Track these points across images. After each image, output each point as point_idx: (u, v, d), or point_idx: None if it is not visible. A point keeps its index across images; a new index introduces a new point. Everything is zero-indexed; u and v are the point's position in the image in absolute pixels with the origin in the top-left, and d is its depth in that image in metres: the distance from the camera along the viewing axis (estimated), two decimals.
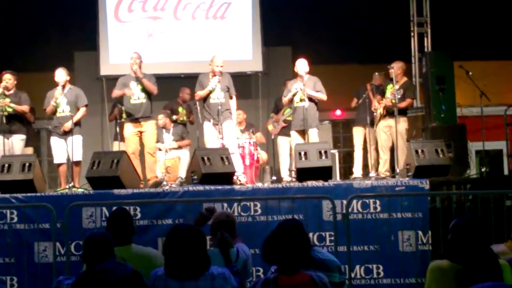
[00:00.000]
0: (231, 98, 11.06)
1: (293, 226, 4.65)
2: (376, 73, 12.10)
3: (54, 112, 10.84)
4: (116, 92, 11.08)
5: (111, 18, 14.64)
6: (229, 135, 10.94)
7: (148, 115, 11.09)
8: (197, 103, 11.90)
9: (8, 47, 14.21)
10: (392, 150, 11.34)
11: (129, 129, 10.99)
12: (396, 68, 11.22)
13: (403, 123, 11.19)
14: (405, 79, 11.57)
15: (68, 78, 10.97)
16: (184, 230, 4.70)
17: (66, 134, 10.71)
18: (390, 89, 11.27)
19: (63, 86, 10.85)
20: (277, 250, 4.43)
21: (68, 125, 10.64)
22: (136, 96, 10.92)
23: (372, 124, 11.55)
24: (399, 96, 10.99)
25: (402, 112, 11.21)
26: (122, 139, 12.14)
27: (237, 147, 11.27)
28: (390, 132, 11.27)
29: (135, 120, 10.96)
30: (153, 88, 11.01)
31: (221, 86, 10.89)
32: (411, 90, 11.75)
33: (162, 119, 12.34)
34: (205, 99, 10.93)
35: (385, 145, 11.36)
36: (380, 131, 11.41)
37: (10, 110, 10.82)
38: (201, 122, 11.08)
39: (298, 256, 4.43)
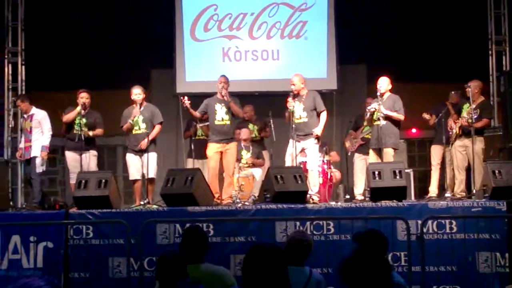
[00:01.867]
0: (319, 114, 11.03)
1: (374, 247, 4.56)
2: (452, 92, 11.92)
3: (131, 129, 11.01)
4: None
5: (187, 37, 14.79)
6: (311, 153, 10.96)
7: (231, 136, 11.15)
8: (271, 120, 12.03)
9: (86, 65, 14.47)
10: (468, 170, 11.15)
11: (212, 148, 10.98)
12: (473, 87, 11.03)
13: (479, 143, 10.96)
14: (482, 98, 11.35)
15: (144, 96, 11.15)
16: (267, 250, 4.62)
17: (142, 151, 10.87)
18: (466, 109, 11.09)
19: (140, 104, 11.03)
20: (358, 272, 4.31)
21: (144, 142, 10.80)
22: (219, 117, 10.98)
23: (448, 143, 11.38)
24: (475, 116, 10.79)
25: (479, 132, 10.99)
26: (197, 156, 12.28)
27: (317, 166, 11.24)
28: (466, 152, 11.08)
29: (218, 141, 10.97)
30: (240, 111, 11.13)
31: (304, 106, 10.91)
32: (488, 110, 11.52)
33: (245, 133, 12.48)
34: (292, 118, 10.92)
35: (461, 165, 11.16)
36: (456, 151, 11.22)
37: (86, 129, 11.05)
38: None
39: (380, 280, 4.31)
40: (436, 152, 11.83)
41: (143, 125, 11.00)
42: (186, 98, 10.88)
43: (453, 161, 11.29)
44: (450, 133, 11.31)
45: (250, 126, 13.14)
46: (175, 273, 4.90)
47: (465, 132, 11.02)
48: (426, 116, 11.98)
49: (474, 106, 10.89)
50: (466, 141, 11.01)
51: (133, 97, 11.10)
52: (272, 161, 12.83)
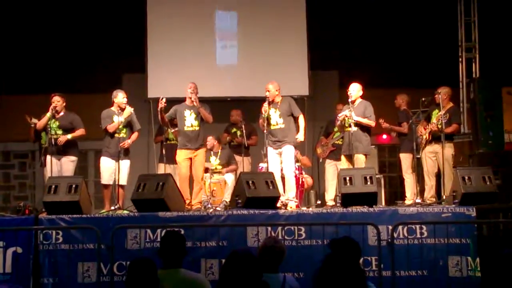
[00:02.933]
0: (297, 119, 11.07)
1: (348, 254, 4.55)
2: (397, 96, 12.10)
3: (115, 131, 11.02)
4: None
5: (159, 41, 14.73)
6: (287, 160, 10.97)
7: (201, 143, 11.13)
8: (243, 126, 12.12)
9: (58, 69, 14.41)
10: (438, 176, 11.23)
11: (181, 155, 10.98)
12: (442, 93, 11.15)
13: (449, 149, 11.06)
14: (451, 104, 11.45)
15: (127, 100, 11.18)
16: (245, 257, 4.61)
17: (118, 156, 10.88)
18: (435, 114, 11.19)
19: (123, 109, 11.03)
20: (332, 279, 4.29)
21: (127, 142, 10.97)
22: (189, 123, 10.96)
23: (418, 150, 11.46)
24: (444, 121, 10.90)
25: (448, 137, 11.09)
26: (168, 161, 12.26)
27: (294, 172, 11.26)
28: (436, 157, 11.18)
29: (187, 147, 10.95)
30: (209, 117, 11.07)
31: (280, 112, 10.95)
32: (457, 116, 11.61)
33: (210, 141, 12.45)
34: (268, 125, 10.96)
35: (431, 171, 11.26)
36: (426, 156, 11.31)
37: (60, 132, 10.99)
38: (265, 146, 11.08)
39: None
40: (406, 159, 11.88)
41: (123, 130, 11.05)
42: (164, 99, 10.85)
43: (423, 167, 11.37)
44: (420, 139, 11.40)
45: (233, 130, 13.18)
46: (145, 280, 4.86)
47: (435, 138, 11.12)
48: (382, 122, 12.00)
49: (443, 112, 10.99)
50: (436, 146, 11.12)
51: (121, 100, 11.12)
52: (249, 167, 12.89)
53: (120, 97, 11.15)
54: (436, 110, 11.20)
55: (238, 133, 13.18)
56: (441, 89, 11.23)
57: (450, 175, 10.73)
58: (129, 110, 11.04)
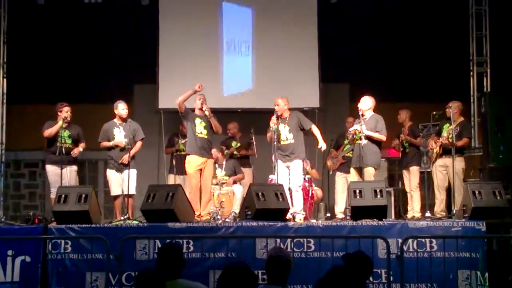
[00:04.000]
0: (310, 130, 11.14)
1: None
2: (400, 111, 12.08)
3: (111, 147, 11.07)
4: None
5: (170, 53, 14.75)
6: (295, 173, 11.00)
7: (210, 153, 11.15)
8: (253, 137, 12.10)
9: (69, 79, 14.45)
10: (449, 190, 11.20)
11: (193, 164, 10.90)
12: (453, 107, 11.13)
13: (459, 163, 11.03)
14: (462, 118, 11.43)
15: (128, 111, 11.17)
16: (239, 270, 4.61)
17: (123, 167, 10.90)
18: (446, 128, 11.18)
19: (125, 120, 11.05)
20: None
21: (126, 157, 10.85)
22: (199, 130, 10.95)
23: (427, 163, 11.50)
24: (455, 134, 10.88)
25: (459, 151, 11.06)
26: (178, 172, 12.27)
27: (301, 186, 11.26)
28: (447, 171, 11.16)
29: (199, 154, 10.89)
30: (220, 127, 11.12)
31: (289, 128, 11.01)
32: (468, 130, 11.60)
33: (214, 153, 12.45)
34: (278, 140, 10.97)
35: (441, 185, 11.23)
36: (436, 170, 11.29)
37: (69, 142, 11.03)
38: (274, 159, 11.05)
39: None
40: (418, 172, 11.82)
41: (125, 141, 11.00)
42: (201, 86, 10.87)
43: (433, 180, 11.34)
44: (430, 153, 11.39)
45: (233, 143, 13.18)
46: None
47: (445, 152, 11.10)
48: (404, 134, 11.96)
49: (454, 126, 10.97)
50: (447, 160, 11.09)
51: (120, 111, 11.14)
52: (255, 178, 12.86)
53: (120, 108, 11.18)
54: (447, 124, 11.19)
55: (238, 145, 13.19)
56: (452, 103, 11.22)
57: (460, 189, 10.70)
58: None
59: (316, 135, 11.12)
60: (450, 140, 10.92)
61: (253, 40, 14.90)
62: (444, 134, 11.15)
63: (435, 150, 11.27)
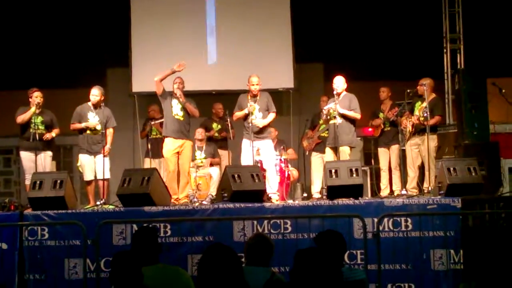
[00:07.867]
0: (269, 113, 11.10)
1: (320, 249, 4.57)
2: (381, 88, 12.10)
3: (81, 130, 11.01)
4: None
5: (143, 35, 14.66)
6: (267, 154, 11.05)
7: (187, 135, 11.08)
8: (228, 119, 12.05)
9: (41, 64, 14.33)
10: (421, 167, 11.28)
11: (169, 147, 10.88)
12: (427, 84, 11.16)
13: (432, 141, 11.06)
14: (433, 95, 11.46)
15: (101, 98, 11.09)
16: (223, 250, 4.55)
17: (96, 152, 10.84)
18: (418, 107, 11.24)
19: (97, 106, 10.99)
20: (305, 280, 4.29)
21: (107, 148, 10.90)
22: (175, 111, 10.91)
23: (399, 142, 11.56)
24: (426, 114, 10.88)
25: (432, 129, 11.08)
26: (153, 155, 12.24)
27: (274, 166, 11.27)
28: (419, 149, 11.22)
29: (176, 136, 10.88)
30: (196, 112, 11.05)
31: (259, 107, 10.97)
32: (439, 107, 11.57)
33: (201, 133, 12.49)
34: (245, 118, 10.95)
35: (414, 163, 11.30)
36: (410, 148, 11.34)
37: (42, 128, 10.95)
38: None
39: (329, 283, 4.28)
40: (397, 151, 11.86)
41: (98, 127, 10.97)
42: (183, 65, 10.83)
43: (406, 158, 11.41)
44: (404, 132, 11.43)
45: (214, 125, 13.15)
46: (129, 274, 4.79)
47: (418, 130, 11.15)
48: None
49: (425, 103, 11.01)
50: (419, 139, 11.15)
51: (90, 97, 11.06)
52: (232, 161, 12.85)
53: (91, 93, 11.10)
54: (419, 102, 11.27)
55: (219, 127, 13.16)
56: (424, 80, 11.25)
57: (432, 167, 10.77)
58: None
59: (267, 118, 11.06)
60: (421, 119, 10.96)
61: (225, 21, 14.83)
62: (416, 112, 11.20)
63: (408, 129, 11.32)
